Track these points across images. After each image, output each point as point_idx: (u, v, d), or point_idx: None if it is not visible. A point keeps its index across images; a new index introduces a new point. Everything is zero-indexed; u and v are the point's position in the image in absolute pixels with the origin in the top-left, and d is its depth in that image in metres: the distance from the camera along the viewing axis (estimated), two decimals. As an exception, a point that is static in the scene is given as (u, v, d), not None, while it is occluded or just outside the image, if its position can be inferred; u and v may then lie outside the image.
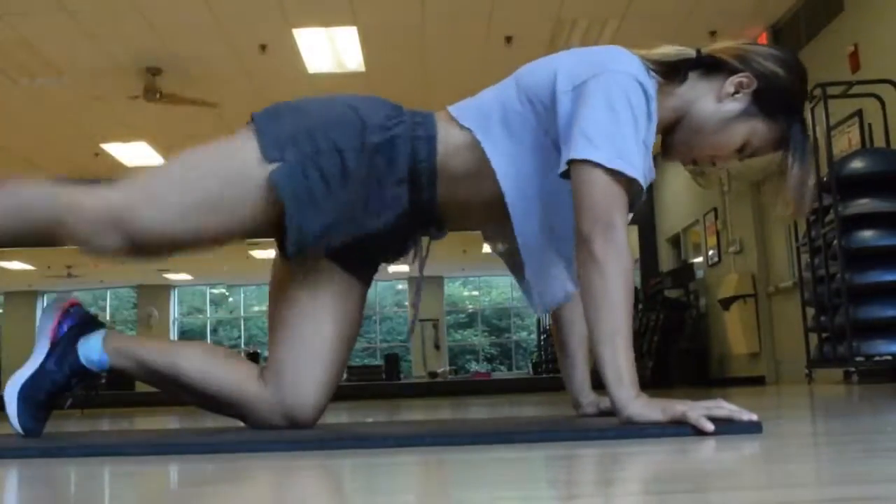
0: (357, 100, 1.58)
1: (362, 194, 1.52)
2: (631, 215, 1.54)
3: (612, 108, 1.38)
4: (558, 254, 1.59)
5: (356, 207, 1.52)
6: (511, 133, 1.50)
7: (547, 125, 1.48)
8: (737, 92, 1.50)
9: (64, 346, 1.67)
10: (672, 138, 1.56)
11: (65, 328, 1.68)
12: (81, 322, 1.70)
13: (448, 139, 1.53)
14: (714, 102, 1.52)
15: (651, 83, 1.44)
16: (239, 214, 1.52)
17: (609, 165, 1.36)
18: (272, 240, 1.67)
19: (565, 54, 1.52)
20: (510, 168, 1.50)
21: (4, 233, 1.55)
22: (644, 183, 1.55)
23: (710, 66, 1.52)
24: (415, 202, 1.55)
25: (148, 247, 1.54)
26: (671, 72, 1.50)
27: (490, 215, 1.59)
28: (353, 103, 1.56)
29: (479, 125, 1.51)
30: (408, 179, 1.53)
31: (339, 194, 1.50)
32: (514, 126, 1.50)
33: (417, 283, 1.78)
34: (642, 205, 1.51)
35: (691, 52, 1.52)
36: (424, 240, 1.72)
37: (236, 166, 1.51)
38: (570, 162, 1.39)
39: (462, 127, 1.53)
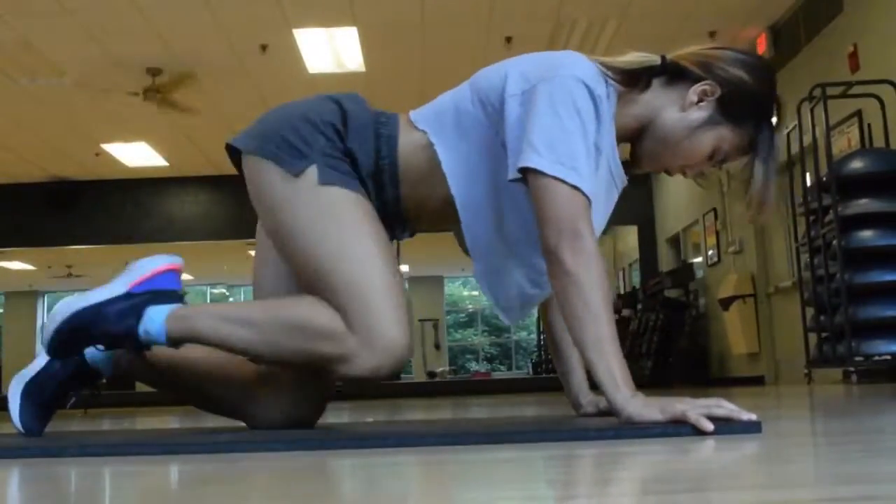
0: (329, 94, 1.61)
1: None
2: None
3: (556, 113, 1.38)
4: (513, 256, 1.58)
5: None
6: (463, 134, 1.52)
7: (497, 126, 1.49)
8: (700, 100, 1.49)
9: None
10: (640, 148, 1.55)
11: None
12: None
13: (409, 140, 1.55)
14: (678, 111, 1.50)
15: (602, 86, 1.43)
16: (378, 228, 1.52)
17: (549, 172, 1.36)
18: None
19: (519, 58, 1.53)
20: (460, 169, 1.51)
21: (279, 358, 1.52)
22: (617, 188, 1.54)
23: (674, 73, 1.50)
24: (380, 199, 1.56)
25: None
26: (632, 79, 1.48)
27: (449, 216, 1.59)
28: (323, 99, 1.59)
29: (434, 127, 1.54)
30: (372, 175, 1.54)
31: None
32: (465, 127, 1.52)
33: None
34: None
35: (655, 60, 1.50)
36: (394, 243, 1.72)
37: (335, 212, 1.49)
38: (523, 171, 1.40)
39: (418, 129, 1.55)
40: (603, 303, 1.33)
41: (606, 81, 1.45)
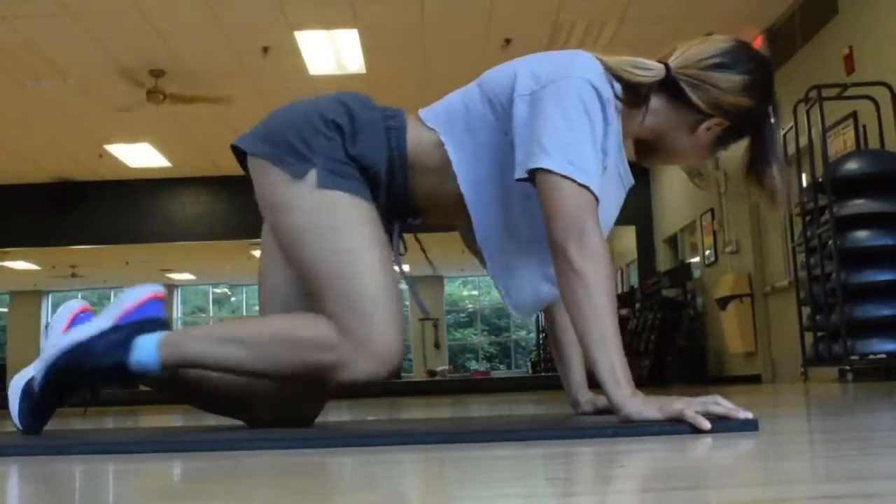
0: (336, 95, 1.63)
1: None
2: None
3: (566, 115, 1.40)
4: (526, 254, 1.59)
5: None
6: (473, 134, 1.54)
7: (506, 126, 1.50)
8: (709, 128, 1.54)
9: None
10: (646, 152, 1.61)
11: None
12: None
13: (417, 136, 1.57)
14: (687, 134, 1.55)
15: (609, 89, 1.45)
16: (377, 233, 1.54)
17: (558, 171, 1.37)
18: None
19: (528, 58, 1.54)
20: (470, 168, 1.54)
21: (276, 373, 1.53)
22: (624, 188, 1.57)
23: (677, 91, 1.51)
24: (391, 188, 1.58)
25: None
26: (636, 99, 1.50)
27: (458, 211, 1.60)
28: (330, 100, 1.61)
29: (444, 126, 1.56)
30: (385, 167, 1.56)
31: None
32: (475, 127, 1.54)
33: (408, 281, 1.75)
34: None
35: (659, 73, 1.50)
36: (412, 238, 1.74)
37: (343, 227, 1.51)
38: (532, 172, 1.41)
39: (428, 128, 1.57)
40: (608, 301, 1.34)
41: (610, 83, 1.47)
